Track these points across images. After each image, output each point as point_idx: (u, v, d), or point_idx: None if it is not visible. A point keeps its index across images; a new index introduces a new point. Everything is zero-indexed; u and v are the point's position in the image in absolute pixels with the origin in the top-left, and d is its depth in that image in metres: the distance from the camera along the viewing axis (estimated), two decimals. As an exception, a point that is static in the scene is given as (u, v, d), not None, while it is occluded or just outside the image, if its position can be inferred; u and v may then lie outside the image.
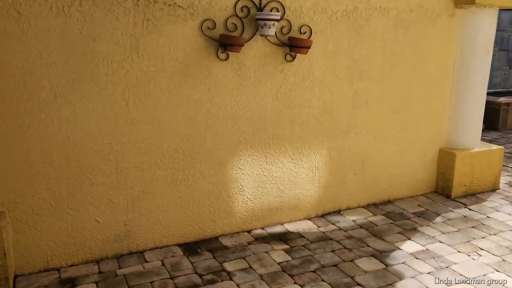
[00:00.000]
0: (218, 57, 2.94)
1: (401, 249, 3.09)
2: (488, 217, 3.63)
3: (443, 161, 4.06)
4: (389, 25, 3.55)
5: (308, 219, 3.58)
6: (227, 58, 2.96)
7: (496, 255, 3.01)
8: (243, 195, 3.28)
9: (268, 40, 3.08)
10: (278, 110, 3.25)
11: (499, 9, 4.21)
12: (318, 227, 3.45)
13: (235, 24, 2.93)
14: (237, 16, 2.93)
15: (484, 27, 3.88)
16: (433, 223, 3.51)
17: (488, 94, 7.49)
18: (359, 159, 3.71)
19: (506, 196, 4.09)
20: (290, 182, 3.45)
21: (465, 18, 3.87)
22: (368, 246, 3.14)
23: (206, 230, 3.20)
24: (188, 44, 2.83)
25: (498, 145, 5.87)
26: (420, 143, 3.99)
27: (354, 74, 3.49)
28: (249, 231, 3.34)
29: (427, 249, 3.10)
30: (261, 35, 2.98)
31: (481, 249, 3.10)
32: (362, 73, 3.52)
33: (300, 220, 3.56)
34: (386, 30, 3.54)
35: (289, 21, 3.12)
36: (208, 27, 2.86)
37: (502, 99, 6.82)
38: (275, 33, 3.04)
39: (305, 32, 3.19)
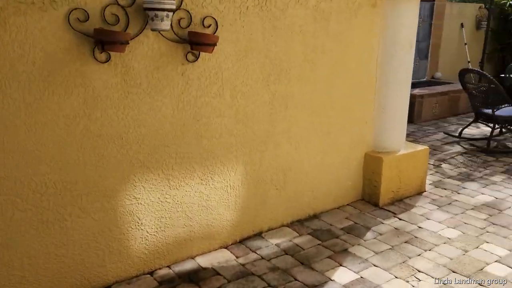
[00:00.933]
0: (95, 59, 2.23)
1: (333, 280, 2.65)
2: (419, 227, 3.33)
3: (369, 166, 3.71)
4: (308, 17, 3.06)
5: (225, 248, 3.01)
6: (108, 59, 2.27)
7: (436, 278, 2.67)
8: (142, 229, 2.63)
9: (163, 36, 2.43)
10: (181, 123, 2.62)
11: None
12: (237, 257, 2.90)
13: (116, 15, 2.24)
14: (118, 4, 2.24)
15: (407, 19, 3.55)
16: (364, 241, 3.12)
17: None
18: (280, 172, 3.21)
19: (433, 199, 3.85)
20: (200, 207, 2.85)
21: (388, 9, 3.50)
22: (296, 280, 2.65)
23: (94, 279, 2.50)
24: (50, 43, 2.09)
25: (415, 138, 5.77)
26: (344, 148, 3.59)
27: (271, 74, 2.96)
28: (151, 273, 2.70)
29: (361, 277, 2.69)
30: (152, 30, 2.32)
31: (419, 271, 2.75)
32: (279, 73, 3.01)
33: (215, 250, 2.98)
34: (305, 22, 3.05)
35: (189, 12, 2.49)
36: (78, 18, 2.14)
37: (416, 91, 6.76)
38: (171, 26, 2.40)
39: (210, 26, 2.59)
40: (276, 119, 3.07)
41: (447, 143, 5.60)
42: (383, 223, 3.39)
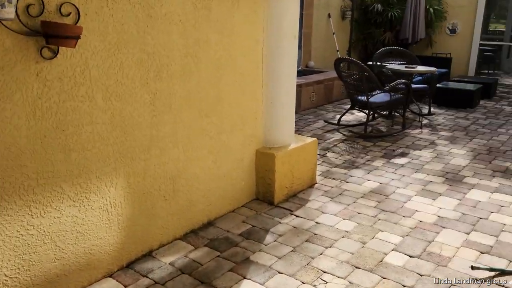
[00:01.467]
0: None
1: (238, 298, 2.40)
2: (317, 223, 3.25)
3: (262, 164, 3.53)
4: (187, 5, 2.72)
5: (110, 276, 2.57)
6: None
7: (342, 278, 2.59)
8: (-2, 274, 2.07)
9: (6, 27, 1.89)
10: (40, 135, 2.10)
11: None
12: (125, 286, 2.48)
13: None
14: None
15: (290, 7, 3.42)
16: (265, 245, 2.93)
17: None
18: (168, 181, 2.84)
19: (325, 191, 3.83)
20: (75, 234, 2.36)
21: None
22: (197, 304, 2.34)
23: None
24: None
25: (298, 128, 5.82)
26: (236, 147, 3.36)
27: (150, 71, 2.57)
28: (17, 325, 2.16)
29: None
30: (-11, 18, 1.77)
31: (324, 271, 2.64)
32: (159, 69, 2.62)
33: (98, 281, 2.52)
34: (184, 11, 2.70)
35: (40, -4, 1.98)
36: None
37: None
38: (17, 15, 1.87)
39: (69, 14, 2.10)
40: (159, 122, 2.69)
41: (328, 131, 5.74)
42: (280, 223, 3.24)
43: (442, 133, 5.68)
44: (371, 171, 4.32)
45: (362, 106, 5.63)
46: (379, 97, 5.46)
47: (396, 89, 5.43)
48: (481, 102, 7.61)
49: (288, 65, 3.55)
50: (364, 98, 5.46)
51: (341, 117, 5.99)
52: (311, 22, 8.28)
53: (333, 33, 8.94)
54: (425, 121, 6.21)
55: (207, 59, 2.93)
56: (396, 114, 6.11)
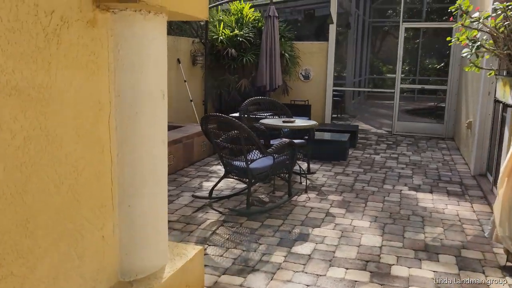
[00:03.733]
0: None
1: None
2: None
3: (120, 317, 2.01)
4: None
5: None
6: None
7: None
8: None
9: None
10: None
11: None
12: None
13: None
14: None
15: (153, 52, 2.07)
16: None
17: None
18: None
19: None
20: None
21: (120, 33, 1.93)
22: None
23: None
24: None
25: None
26: (69, 305, 1.79)
27: None
28: None
29: None
30: None
31: None
32: None
33: None
34: None
35: None
36: None
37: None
38: None
39: None
40: None
41: (198, 209, 4.40)
42: None
43: (331, 197, 4.84)
44: (273, 273, 3.10)
45: (240, 174, 4.46)
46: (261, 161, 4.37)
47: (281, 151, 4.42)
48: (350, 151, 7.19)
49: (154, 138, 2.16)
50: (242, 164, 4.31)
51: (213, 188, 4.71)
52: (159, 69, 6.96)
53: (185, 81, 7.77)
54: (306, 180, 5.34)
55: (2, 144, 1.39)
56: (278, 177, 5.10)
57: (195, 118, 7.82)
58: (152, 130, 2.12)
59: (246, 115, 5.87)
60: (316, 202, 4.65)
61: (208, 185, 5.24)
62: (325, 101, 9.24)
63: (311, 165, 6.09)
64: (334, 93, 9.40)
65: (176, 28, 11.76)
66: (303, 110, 8.40)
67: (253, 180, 4.35)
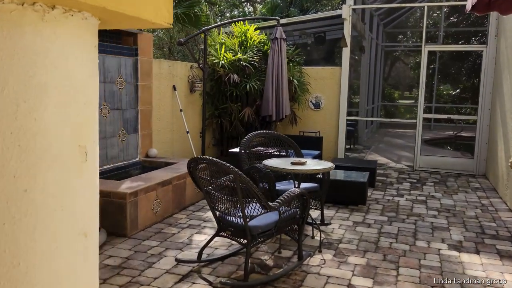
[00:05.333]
0: None
1: None
2: None
3: None
4: None
5: None
6: None
7: None
8: None
9: None
10: None
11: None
12: None
13: None
14: None
15: (66, 74, 1.14)
16: None
17: (104, 173, 5.06)
18: None
19: None
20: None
21: (12, 44, 1.01)
22: None
23: None
24: None
25: (129, 280, 3.25)
26: None
27: None
28: None
29: None
30: None
31: None
32: None
33: None
34: None
35: None
36: None
37: (126, 186, 4.45)
38: None
39: None
40: None
41: (182, 278, 3.42)
42: None
43: (352, 259, 3.83)
44: None
45: (236, 233, 3.49)
46: (263, 217, 3.41)
47: (289, 204, 3.46)
48: (368, 192, 6.19)
49: (67, 231, 1.21)
50: (239, 220, 3.36)
51: (202, 249, 3.74)
52: (150, 97, 6.11)
53: (181, 110, 6.89)
54: (320, 234, 4.35)
55: None
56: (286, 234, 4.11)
57: (192, 152, 6.90)
58: (62, 217, 1.17)
59: (247, 151, 4.93)
60: (333, 268, 3.65)
61: (199, 239, 4.27)
62: (338, 132, 8.29)
63: (324, 211, 5.11)
64: (347, 122, 8.47)
65: (177, 52, 11.01)
66: (314, 143, 7.46)
67: (253, 242, 3.38)
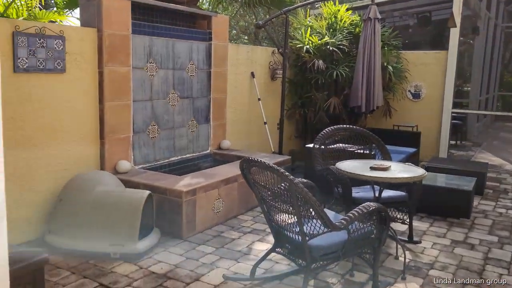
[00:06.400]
0: None
1: None
2: None
3: None
4: None
5: None
6: None
7: None
8: None
9: None
10: None
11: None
12: None
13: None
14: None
15: None
16: None
17: (170, 166, 4.68)
18: None
19: None
20: None
21: None
22: None
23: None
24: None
25: None
26: None
27: None
28: None
29: None
30: None
31: None
32: None
33: None
34: None
35: None
36: None
37: (185, 183, 4.04)
38: None
39: None
40: None
41: (230, 299, 2.90)
42: None
43: (446, 295, 3.00)
44: None
45: (293, 252, 2.87)
46: (328, 236, 2.73)
47: (362, 221, 2.75)
48: (474, 201, 5.12)
49: None
50: (297, 237, 2.73)
51: (256, 265, 3.17)
52: (224, 85, 5.67)
53: (259, 99, 6.37)
54: (405, 255, 3.53)
55: None
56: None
57: (269, 145, 6.36)
58: None
59: (322, 146, 4.24)
60: (419, 305, 2.86)
61: (260, 248, 3.72)
62: (440, 127, 7.15)
63: (415, 223, 4.24)
64: (453, 114, 7.27)
65: (264, 38, 10.49)
66: (410, 139, 6.47)
67: (312, 265, 2.73)
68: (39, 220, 3.81)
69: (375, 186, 3.82)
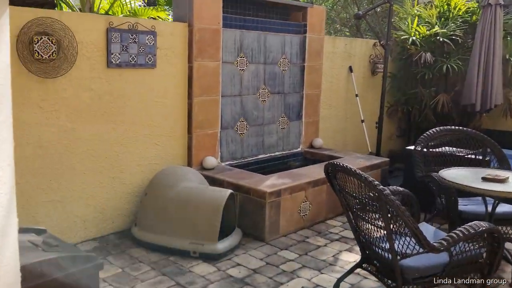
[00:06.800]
0: None
1: None
2: None
3: None
4: None
5: None
6: None
7: None
8: None
9: None
10: None
11: None
12: None
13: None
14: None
15: None
16: None
17: (258, 163, 4.54)
18: None
19: None
20: None
21: None
22: None
23: None
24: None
25: None
26: None
27: None
28: None
29: None
30: None
31: None
32: None
33: None
34: None
35: None
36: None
37: (270, 183, 3.83)
38: None
39: None
40: None
41: (308, 316, 2.63)
42: None
43: None
44: None
45: (382, 270, 2.50)
46: (423, 257, 2.33)
47: (468, 241, 2.30)
48: None
49: None
50: (387, 255, 2.37)
51: (340, 281, 2.84)
52: (318, 80, 5.35)
53: (356, 95, 5.94)
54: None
55: None
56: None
57: (366, 145, 5.91)
58: None
59: (425, 150, 3.74)
60: None
61: (347, 259, 3.39)
62: None
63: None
64: None
65: (367, 30, 9.89)
66: (535, 144, 5.53)
67: (404, 289, 2.34)
68: (128, 212, 3.89)
69: (487, 198, 3.25)
